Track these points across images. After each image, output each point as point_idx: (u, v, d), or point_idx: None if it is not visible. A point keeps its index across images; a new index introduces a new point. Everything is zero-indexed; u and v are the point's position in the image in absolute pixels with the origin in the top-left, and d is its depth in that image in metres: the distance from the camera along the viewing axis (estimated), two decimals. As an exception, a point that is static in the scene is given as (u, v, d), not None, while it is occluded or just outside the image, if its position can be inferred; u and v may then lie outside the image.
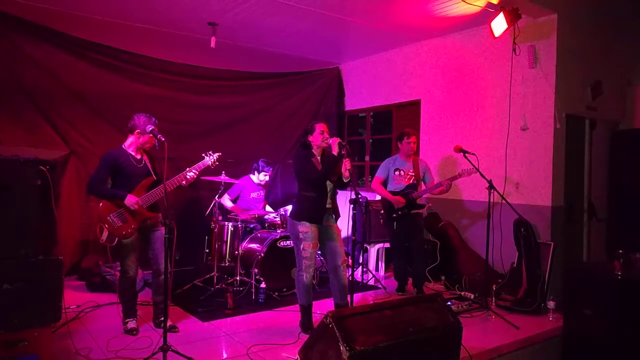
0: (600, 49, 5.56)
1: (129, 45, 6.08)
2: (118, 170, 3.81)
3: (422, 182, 5.27)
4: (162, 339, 3.19)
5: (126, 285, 3.91)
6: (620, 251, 3.84)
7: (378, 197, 5.55)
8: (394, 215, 5.15)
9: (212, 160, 4.10)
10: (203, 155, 4.12)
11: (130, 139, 3.90)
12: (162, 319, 3.53)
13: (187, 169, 3.94)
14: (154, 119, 3.84)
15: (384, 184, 5.31)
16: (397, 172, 5.25)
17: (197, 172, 4.00)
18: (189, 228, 5.62)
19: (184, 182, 3.91)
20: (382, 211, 5.38)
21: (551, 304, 4.47)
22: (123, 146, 3.91)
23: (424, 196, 5.33)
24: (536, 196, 5.10)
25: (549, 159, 5.02)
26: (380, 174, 5.33)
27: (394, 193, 5.17)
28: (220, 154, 4.17)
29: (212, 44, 5.57)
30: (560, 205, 5.11)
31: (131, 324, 3.88)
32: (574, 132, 5.36)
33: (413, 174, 5.22)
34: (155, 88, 6.29)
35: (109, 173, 3.83)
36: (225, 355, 3.56)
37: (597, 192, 5.79)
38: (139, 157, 3.91)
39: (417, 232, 5.22)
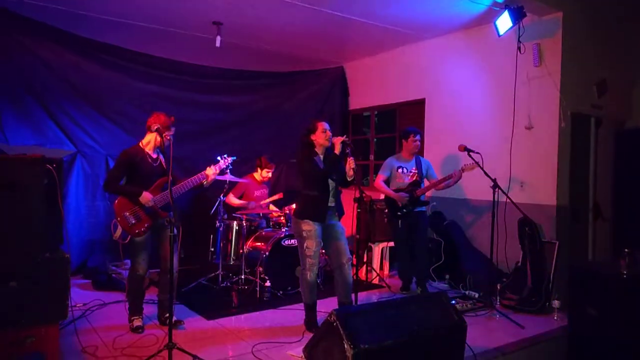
0: (606, 48, 5.54)
1: (134, 44, 6.12)
2: (134, 169, 3.82)
3: (426, 179, 5.27)
4: (167, 336, 3.21)
5: (135, 283, 3.94)
6: (626, 250, 3.82)
7: (382, 196, 5.55)
8: (399, 213, 5.15)
9: (226, 162, 4.10)
10: (218, 158, 4.09)
11: (148, 137, 3.91)
12: (168, 317, 3.55)
13: (208, 167, 3.94)
14: (173, 118, 3.85)
15: (387, 182, 5.31)
16: (400, 170, 5.25)
17: (217, 172, 4.01)
18: (194, 227, 5.64)
19: (204, 181, 3.92)
20: (386, 210, 5.38)
21: (556, 303, 4.46)
22: (140, 144, 3.92)
23: (427, 194, 5.32)
24: (541, 195, 5.08)
25: (554, 158, 5.00)
26: (383, 172, 5.33)
27: (397, 191, 5.17)
28: (235, 157, 4.16)
29: (217, 43, 5.58)
30: (566, 205, 5.09)
31: (137, 322, 3.91)
32: (580, 130, 5.34)
33: (416, 171, 5.22)
34: (160, 87, 6.34)
35: (126, 171, 3.83)
36: (230, 353, 3.57)
37: (602, 190, 5.77)
38: (155, 156, 3.93)
39: (421, 230, 5.22)
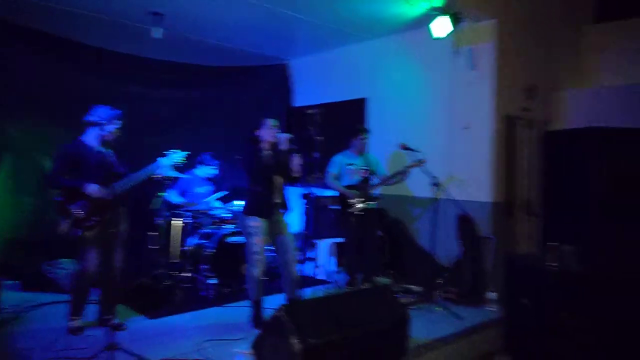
0: (535, 55, 5.86)
1: (70, 33, 5.81)
2: (77, 163, 3.66)
3: (375, 176, 5.38)
4: (108, 337, 3.10)
5: (82, 282, 3.75)
6: (554, 244, 4.10)
7: (329, 193, 5.60)
8: (351, 210, 5.19)
9: (180, 158, 3.98)
10: (167, 152, 3.96)
11: (90, 131, 3.76)
12: (109, 317, 3.43)
13: (160, 158, 3.85)
14: (118, 111, 3.75)
15: (337, 179, 5.37)
16: (350, 167, 5.32)
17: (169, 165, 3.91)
18: (135, 224, 5.44)
19: (154, 174, 3.85)
20: (337, 206, 5.39)
21: (492, 295, 4.70)
22: (80, 139, 3.76)
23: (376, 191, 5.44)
24: (478, 192, 5.31)
25: (489, 157, 5.26)
26: (332, 169, 5.37)
27: (348, 187, 5.24)
28: (189, 152, 4.04)
29: (157, 35, 5.40)
30: (500, 201, 5.36)
31: (76, 323, 3.74)
32: (512, 131, 5.63)
33: (367, 167, 5.32)
34: (96, 79, 6.01)
35: (67, 166, 3.66)
36: (174, 352, 3.48)
37: (533, 188, 6.11)
38: (98, 150, 3.77)
39: (372, 227, 5.30)
